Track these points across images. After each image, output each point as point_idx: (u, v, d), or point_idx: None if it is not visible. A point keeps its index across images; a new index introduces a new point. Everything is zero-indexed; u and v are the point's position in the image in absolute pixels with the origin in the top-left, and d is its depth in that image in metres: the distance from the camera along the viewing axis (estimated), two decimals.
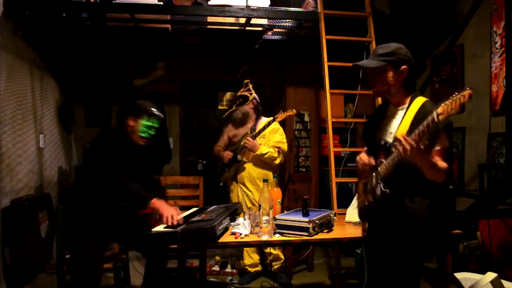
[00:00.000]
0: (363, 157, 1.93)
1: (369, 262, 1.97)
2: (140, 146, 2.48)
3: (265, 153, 3.25)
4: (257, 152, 3.24)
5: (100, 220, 2.34)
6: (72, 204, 2.42)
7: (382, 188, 1.78)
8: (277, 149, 3.29)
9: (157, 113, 2.45)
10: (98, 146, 2.37)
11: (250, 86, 3.38)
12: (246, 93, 3.34)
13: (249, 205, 3.22)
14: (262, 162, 3.32)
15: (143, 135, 2.42)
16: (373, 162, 1.88)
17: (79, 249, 2.34)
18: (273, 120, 3.26)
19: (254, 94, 3.37)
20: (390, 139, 1.79)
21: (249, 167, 3.32)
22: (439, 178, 1.68)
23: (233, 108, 3.37)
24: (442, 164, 1.67)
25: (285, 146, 3.34)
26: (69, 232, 2.41)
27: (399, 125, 1.77)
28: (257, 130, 3.30)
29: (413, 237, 1.73)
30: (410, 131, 1.70)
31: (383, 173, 1.78)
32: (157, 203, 2.23)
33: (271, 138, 3.31)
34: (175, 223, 2.16)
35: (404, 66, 1.77)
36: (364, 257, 1.98)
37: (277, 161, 3.32)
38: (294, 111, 3.31)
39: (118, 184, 2.24)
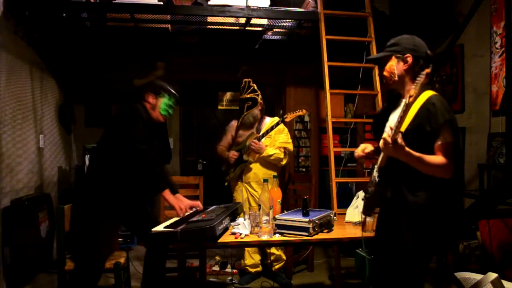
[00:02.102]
0: (360, 147, 1.96)
1: (373, 260, 1.97)
2: (159, 127, 2.59)
3: (272, 155, 3.25)
4: (263, 154, 3.24)
5: (114, 203, 2.37)
6: (84, 190, 2.44)
7: (376, 178, 1.82)
8: (283, 150, 3.30)
9: (176, 93, 2.59)
10: (123, 119, 2.40)
11: (255, 87, 3.36)
12: (254, 96, 3.33)
13: (254, 204, 3.21)
14: (268, 162, 3.32)
15: (163, 113, 2.53)
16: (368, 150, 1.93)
17: (89, 233, 2.36)
18: (282, 121, 3.25)
19: (260, 95, 3.37)
20: None
21: (255, 167, 3.32)
22: (437, 173, 1.66)
23: (245, 113, 3.33)
24: (435, 159, 1.65)
25: (291, 146, 3.35)
26: (80, 218, 2.42)
27: None
28: (263, 131, 3.31)
29: (412, 232, 1.72)
30: (412, 123, 1.72)
31: (379, 164, 1.82)
32: (169, 195, 2.32)
33: (277, 138, 3.32)
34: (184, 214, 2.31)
35: (407, 55, 1.81)
36: (366, 255, 1.98)
37: (283, 162, 3.33)
38: (304, 111, 3.31)
39: (143, 159, 2.26)
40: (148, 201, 2.57)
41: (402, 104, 1.56)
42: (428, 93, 1.76)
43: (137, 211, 2.47)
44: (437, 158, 1.66)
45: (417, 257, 1.75)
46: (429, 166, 1.65)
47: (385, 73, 1.88)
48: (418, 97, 1.75)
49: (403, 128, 1.73)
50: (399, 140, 1.59)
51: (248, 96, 3.33)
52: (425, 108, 1.70)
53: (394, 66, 1.84)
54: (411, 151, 1.63)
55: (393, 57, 1.85)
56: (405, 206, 1.74)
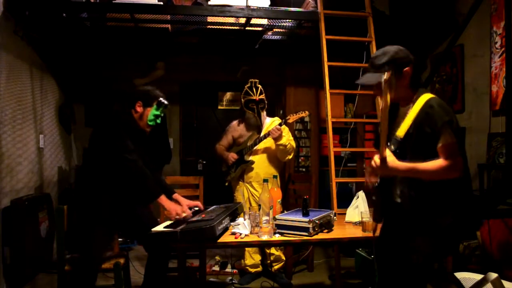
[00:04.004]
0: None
1: (379, 262, 1.97)
2: (144, 136, 2.51)
3: (288, 144, 3.23)
4: (281, 141, 3.20)
5: (108, 210, 2.34)
6: (79, 197, 2.42)
7: (376, 183, 1.82)
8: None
9: (166, 102, 2.50)
10: (109, 127, 2.36)
11: (261, 88, 3.34)
12: (264, 97, 3.33)
13: (254, 204, 3.21)
14: (269, 161, 3.33)
15: (150, 123, 2.45)
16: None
17: (85, 241, 2.36)
18: (285, 122, 3.22)
19: None
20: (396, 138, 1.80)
21: (257, 166, 3.32)
22: (444, 176, 1.66)
23: (261, 114, 3.31)
24: (434, 164, 1.65)
25: (294, 144, 3.34)
26: (76, 226, 2.42)
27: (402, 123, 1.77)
28: (264, 131, 3.30)
29: (421, 236, 1.73)
30: (412, 126, 1.72)
31: None
32: (165, 200, 2.31)
33: None
34: (181, 216, 2.28)
35: (406, 69, 1.77)
36: (369, 257, 1.98)
37: (290, 156, 3.32)
38: (306, 112, 3.28)
39: (132, 170, 2.24)
40: (143, 205, 2.54)
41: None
42: (426, 96, 1.76)
43: (132, 216, 2.43)
44: (436, 163, 1.65)
45: (426, 260, 1.75)
46: (430, 173, 1.65)
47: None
48: (417, 101, 1.75)
49: (402, 132, 1.73)
50: (388, 157, 1.63)
51: (261, 97, 3.31)
52: (424, 111, 1.70)
53: (397, 84, 1.77)
54: (404, 163, 1.65)
55: (392, 75, 1.75)
56: (415, 210, 1.73)
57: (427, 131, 1.67)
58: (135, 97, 2.46)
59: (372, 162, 1.70)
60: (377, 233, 2.08)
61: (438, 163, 1.65)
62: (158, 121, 2.49)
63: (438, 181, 1.68)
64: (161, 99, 2.48)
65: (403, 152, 1.72)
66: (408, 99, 1.81)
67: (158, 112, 2.46)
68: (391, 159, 1.65)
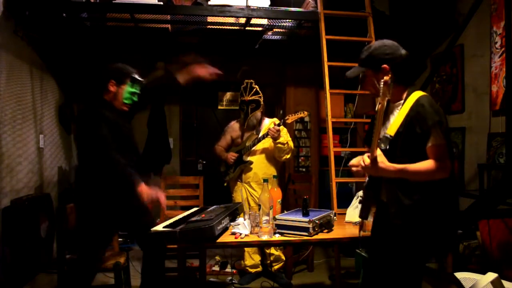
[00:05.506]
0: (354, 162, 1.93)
1: (368, 262, 1.97)
2: (126, 115, 2.42)
3: (287, 142, 3.21)
4: (280, 140, 3.17)
5: (107, 209, 2.31)
6: (79, 197, 2.40)
7: (366, 181, 1.82)
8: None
9: (140, 78, 2.38)
10: (83, 126, 2.30)
11: (257, 88, 3.34)
12: (257, 98, 3.31)
13: (253, 204, 3.21)
14: (267, 162, 3.33)
15: (127, 101, 2.35)
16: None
17: (84, 241, 2.33)
18: (283, 123, 3.22)
19: (262, 97, 3.35)
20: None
21: (255, 167, 3.32)
22: (432, 177, 1.65)
23: (249, 115, 3.31)
24: (423, 165, 1.64)
25: (292, 144, 3.34)
26: (76, 226, 2.39)
27: (392, 121, 1.77)
28: (262, 132, 3.30)
29: (409, 236, 1.72)
30: (403, 125, 1.71)
31: None
32: (144, 188, 2.18)
33: None
34: (163, 203, 2.17)
35: (384, 65, 1.75)
36: (365, 255, 1.98)
37: (288, 156, 3.31)
38: (306, 113, 3.27)
39: (108, 161, 2.15)
40: (134, 203, 2.43)
41: (377, 111, 1.57)
42: (417, 94, 1.75)
43: (130, 214, 2.40)
44: (425, 164, 1.65)
45: (414, 260, 1.75)
46: (419, 174, 1.65)
47: (371, 89, 1.84)
48: (408, 98, 1.75)
49: (393, 131, 1.73)
50: (379, 157, 1.62)
51: (252, 98, 3.31)
52: (414, 110, 1.70)
53: (375, 80, 1.78)
54: (394, 164, 1.65)
55: (370, 72, 1.80)
56: (402, 211, 1.72)
57: (418, 131, 1.67)
58: (107, 76, 2.35)
59: (361, 162, 1.69)
60: (368, 228, 2.09)
61: (427, 164, 1.64)
62: (135, 98, 2.37)
63: (425, 182, 1.68)
64: (134, 74, 2.37)
65: (393, 151, 1.72)
66: (397, 95, 1.81)
67: (133, 89, 2.35)
68: (381, 160, 1.64)
